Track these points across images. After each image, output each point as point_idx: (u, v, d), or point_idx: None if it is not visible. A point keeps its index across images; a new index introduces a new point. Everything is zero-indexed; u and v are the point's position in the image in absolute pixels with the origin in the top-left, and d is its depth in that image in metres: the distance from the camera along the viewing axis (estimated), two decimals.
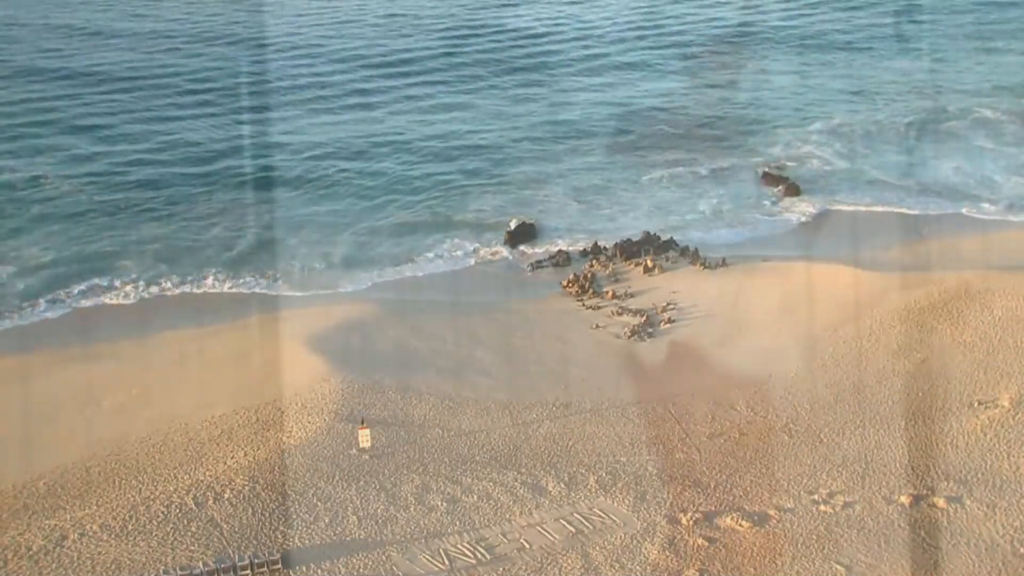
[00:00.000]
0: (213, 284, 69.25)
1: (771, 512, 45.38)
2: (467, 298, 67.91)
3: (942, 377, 55.17)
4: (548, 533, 44.45)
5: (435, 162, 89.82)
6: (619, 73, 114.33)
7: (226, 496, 46.44)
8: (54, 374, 57.33)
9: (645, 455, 49.83)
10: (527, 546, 43.72)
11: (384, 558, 43.14)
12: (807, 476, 47.77)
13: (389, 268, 72.28)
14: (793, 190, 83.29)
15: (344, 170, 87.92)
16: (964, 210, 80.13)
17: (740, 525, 44.58)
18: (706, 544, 43.53)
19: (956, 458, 48.54)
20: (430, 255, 74.07)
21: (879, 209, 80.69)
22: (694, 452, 50.03)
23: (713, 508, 45.74)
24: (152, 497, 46.61)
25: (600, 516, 45.45)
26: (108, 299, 67.29)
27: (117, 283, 68.71)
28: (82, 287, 68.00)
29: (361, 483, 47.59)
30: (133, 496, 46.82)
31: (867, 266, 67.80)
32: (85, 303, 66.79)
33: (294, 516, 45.36)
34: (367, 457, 49.35)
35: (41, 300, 66.42)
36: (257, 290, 69.03)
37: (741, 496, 46.60)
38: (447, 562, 42.91)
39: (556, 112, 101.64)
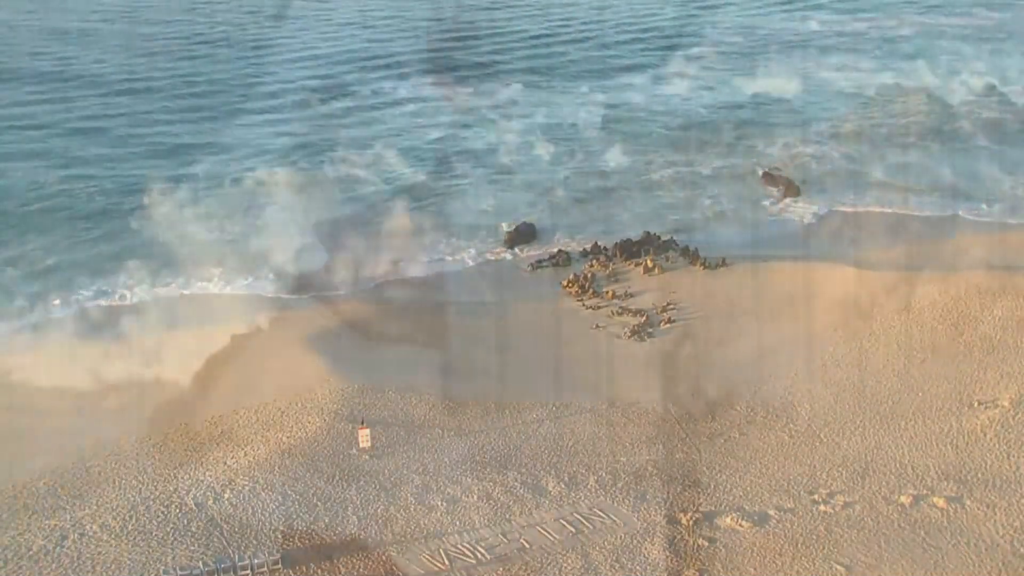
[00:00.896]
0: (213, 285, 69.27)
1: (771, 512, 45.41)
2: (467, 298, 67.91)
3: (942, 377, 55.22)
4: (548, 533, 44.48)
5: (432, 162, 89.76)
6: (620, 75, 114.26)
7: (226, 496, 46.45)
8: (56, 375, 57.29)
9: (645, 455, 49.85)
10: (527, 546, 43.74)
11: (384, 558, 43.16)
12: (807, 476, 47.80)
13: (389, 268, 72.23)
14: (793, 190, 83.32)
15: (342, 171, 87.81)
16: (962, 211, 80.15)
17: (740, 525, 44.61)
18: (706, 544, 43.57)
19: (956, 458, 48.59)
20: (430, 255, 74.04)
21: (878, 210, 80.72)
22: (694, 452, 50.06)
23: (713, 508, 45.78)
24: (152, 497, 46.63)
25: (600, 516, 45.48)
26: (109, 301, 67.43)
27: (118, 285, 68.85)
28: (84, 289, 68.25)
29: (361, 483, 47.60)
30: (133, 496, 46.83)
31: (866, 266, 67.86)
32: (87, 304, 66.89)
33: (294, 516, 45.38)
34: (367, 457, 49.36)
35: (45, 301, 66.64)
36: (257, 291, 69.01)
37: (741, 496, 46.63)
38: (447, 562, 42.93)
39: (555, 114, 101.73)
